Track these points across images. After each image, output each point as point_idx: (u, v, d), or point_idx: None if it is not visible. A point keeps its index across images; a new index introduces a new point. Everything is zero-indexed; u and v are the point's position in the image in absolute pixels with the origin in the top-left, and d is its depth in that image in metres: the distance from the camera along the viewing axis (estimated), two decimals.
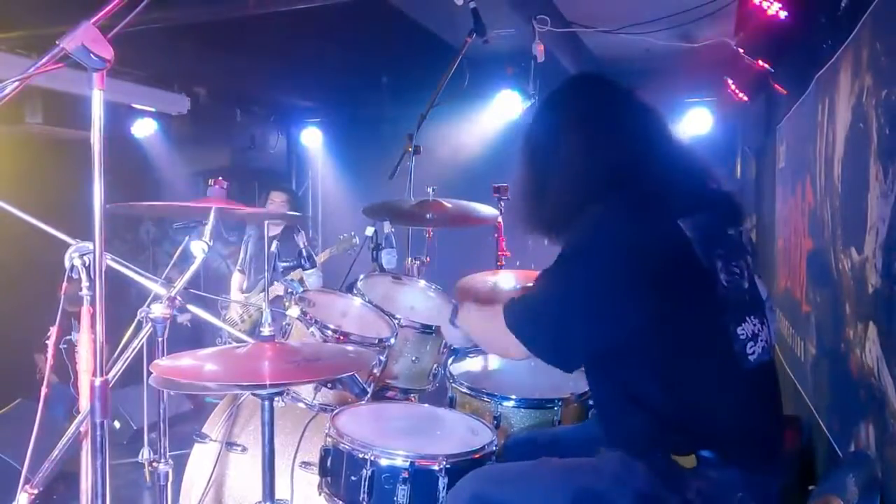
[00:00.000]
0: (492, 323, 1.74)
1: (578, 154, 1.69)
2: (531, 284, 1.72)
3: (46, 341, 2.10)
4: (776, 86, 3.73)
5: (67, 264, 1.87)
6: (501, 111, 5.46)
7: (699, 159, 1.78)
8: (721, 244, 1.62)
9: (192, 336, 4.95)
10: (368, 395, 2.32)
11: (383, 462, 1.87)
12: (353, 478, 1.88)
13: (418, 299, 2.77)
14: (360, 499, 1.86)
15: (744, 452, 1.59)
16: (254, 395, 2.19)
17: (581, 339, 1.61)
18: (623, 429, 1.69)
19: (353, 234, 4.77)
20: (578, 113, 1.75)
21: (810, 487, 2.00)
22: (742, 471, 1.58)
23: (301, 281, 2.37)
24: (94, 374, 1.40)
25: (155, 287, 2.06)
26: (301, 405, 2.33)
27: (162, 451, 2.11)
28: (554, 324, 1.62)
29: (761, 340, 1.63)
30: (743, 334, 1.59)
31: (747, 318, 1.61)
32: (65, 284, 1.89)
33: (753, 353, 1.60)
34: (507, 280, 2.84)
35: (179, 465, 2.29)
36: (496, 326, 1.70)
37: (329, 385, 2.30)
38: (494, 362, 2.72)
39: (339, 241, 4.82)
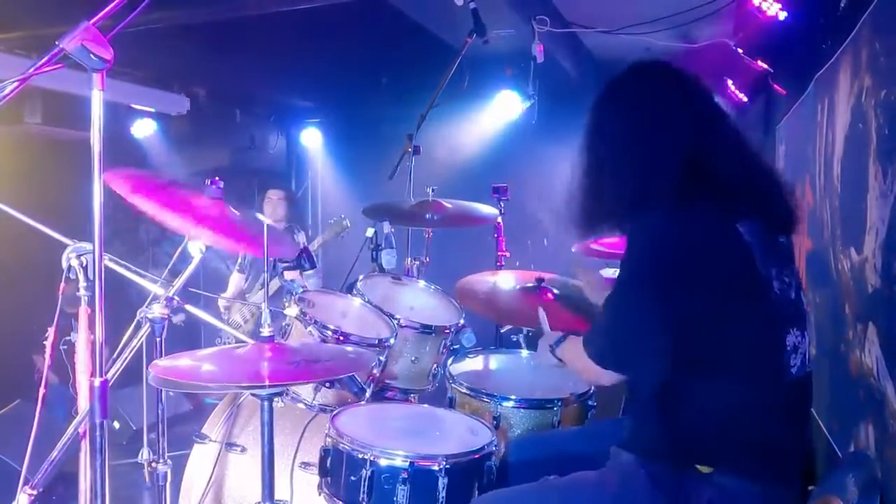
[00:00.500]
0: (584, 355, 1.71)
1: (643, 147, 1.61)
2: (601, 307, 1.68)
3: (45, 342, 2.10)
4: (775, 86, 3.73)
5: (64, 265, 1.86)
6: (501, 111, 5.46)
7: (763, 160, 1.71)
8: (774, 252, 1.58)
9: (188, 336, 4.95)
10: (368, 396, 2.33)
11: (383, 462, 1.87)
12: (352, 478, 1.88)
13: (418, 300, 2.78)
14: (360, 499, 1.86)
15: (762, 466, 1.55)
16: (253, 395, 2.19)
17: (655, 356, 1.57)
18: (649, 431, 1.66)
19: (343, 216, 4.62)
20: (646, 103, 1.65)
21: (810, 488, 1.99)
22: (756, 482, 1.55)
23: (294, 281, 2.37)
24: (93, 375, 1.40)
25: (154, 287, 2.06)
26: (301, 405, 2.33)
27: (161, 451, 2.11)
28: (629, 346, 1.60)
29: (801, 353, 1.60)
30: (789, 345, 1.57)
31: (791, 330, 1.58)
32: (62, 285, 1.89)
33: (794, 365, 1.58)
34: (507, 280, 2.84)
35: (179, 466, 2.29)
36: (587, 359, 1.69)
37: (328, 385, 2.30)
38: (494, 363, 2.72)
39: (329, 225, 4.64)
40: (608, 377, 1.67)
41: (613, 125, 1.68)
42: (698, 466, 1.56)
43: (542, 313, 2.17)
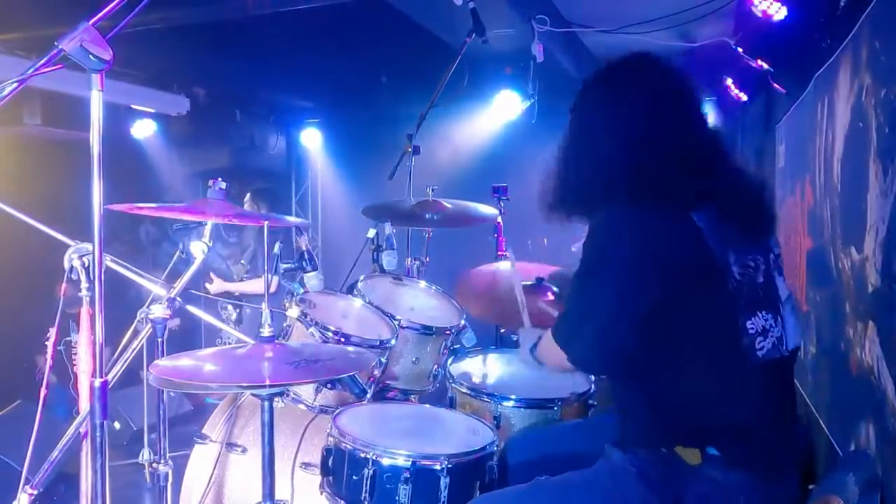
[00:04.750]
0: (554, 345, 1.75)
1: (606, 140, 1.67)
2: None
3: (46, 342, 2.10)
4: (775, 85, 3.73)
5: (66, 265, 1.86)
6: (501, 111, 5.45)
7: (729, 154, 1.75)
8: (735, 238, 1.61)
9: (184, 340, 4.93)
10: (369, 396, 2.33)
11: (385, 462, 1.87)
12: (354, 477, 1.88)
13: (419, 300, 2.78)
14: (362, 498, 1.86)
15: (747, 450, 1.58)
16: (254, 395, 2.19)
17: (616, 344, 1.63)
18: (634, 419, 1.71)
19: None
20: (611, 102, 1.71)
21: (810, 487, 1.99)
22: (747, 473, 1.57)
23: (301, 281, 2.37)
24: (93, 375, 1.40)
25: (154, 288, 2.06)
26: (301, 406, 2.33)
27: (162, 452, 2.11)
28: (590, 334, 1.64)
29: (772, 336, 1.61)
30: (752, 329, 1.59)
31: (758, 313, 1.60)
32: (64, 286, 1.89)
33: (762, 348, 1.59)
34: (505, 267, 2.84)
35: (179, 466, 2.29)
36: (548, 345, 1.75)
37: (329, 386, 2.30)
38: (495, 363, 2.72)
39: None
40: (565, 360, 1.69)
41: (583, 121, 1.76)
42: (681, 452, 1.58)
43: (518, 288, 2.25)
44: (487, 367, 2.67)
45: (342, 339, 2.28)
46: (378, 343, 2.34)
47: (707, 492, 1.57)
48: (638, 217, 1.58)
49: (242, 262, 4.80)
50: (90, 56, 1.26)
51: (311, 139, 7.26)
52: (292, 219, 2.35)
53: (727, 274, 1.58)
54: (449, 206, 3.06)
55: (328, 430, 2.00)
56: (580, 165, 1.71)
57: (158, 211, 2.16)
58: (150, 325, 2.02)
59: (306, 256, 2.29)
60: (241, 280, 4.82)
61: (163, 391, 2.07)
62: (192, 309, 2.21)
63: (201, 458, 2.38)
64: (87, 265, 1.86)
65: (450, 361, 2.59)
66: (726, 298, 1.58)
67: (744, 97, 4.44)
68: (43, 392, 2.05)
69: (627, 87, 1.71)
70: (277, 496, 1.82)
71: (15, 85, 1.34)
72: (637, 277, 1.57)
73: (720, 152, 1.72)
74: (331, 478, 1.96)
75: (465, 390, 2.40)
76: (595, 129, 1.72)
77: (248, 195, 4.87)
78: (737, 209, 1.64)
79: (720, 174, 1.66)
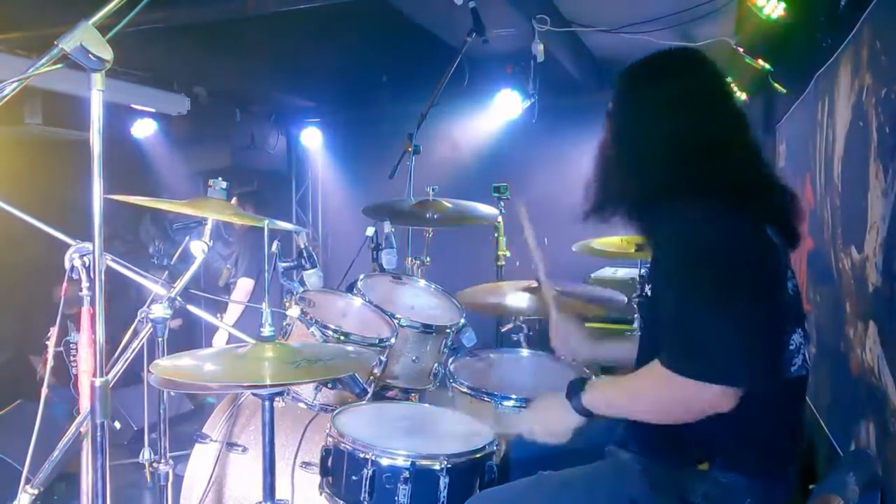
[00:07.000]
0: (643, 390, 1.57)
1: (670, 136, 1.59)
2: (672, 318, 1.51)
3: (46, 342, 2.10)
4: (776, 85, 3.73)
5: (67, 265, 1.86)
6: (501, 111, 5.45)
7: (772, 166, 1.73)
8: (788, 254, 1.61)
9: (184, 339, 4.93)
10: (369, 395, 2.33)
11: (384, 462, 1.86)
12: (353, 478, 1.88)
13: (419, 299, 2.78)
14: (361, 499, 1.86)
15: (754, 459, 1.56)
16: (254, 395, 2.19)
17: (746, 352, 1.44)
18: (645, 429, 1.62)
19: None
20: (681, 91, 1.61)
21: (811, 486, 1.99)
22: (752, 476, 1.56)
23: (301, 280, 2.37)
24: (94, 375, 1.40)
25: (155, 287, 2.06)
26: (302, 405, 2.34)
27: (162, 451, 2.11)
28: (727, 348, 1.44)
29: (801, 353, 1.60)
30: (792, 345, 1.58)
31: (798, 330, 1.59)
32: (65, 285, 1.89)
33: (795, 364, 1.58)
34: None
35: (180, 466, 2.29)
36: (651, 390, 1.54)
37: (329, 385, 2.30)
38: (495, 362, 2.71)
39: None
40: (710, 394, 1.44)
41: (644, 108, 1.65)
42: (697, 465, 1.56)
43: (522, 212, 2.33)
44: (488, 367, 2.67)
45: (342, 338, 2.28)
46: (378, 342, 2.34)
47: (712, 492, 1.55)
48: (726, 222, 1.49)
49: (228, 266, 4.76)
50: (90, 55, 1.26)
51: (312, 139, 7.26)
52: (284, 224, 2.29)
53: (785, 288, 1.57)
54: (449, 205, 3.06)
55: (327, 431, 2.00)
56: (644, 155, 1.60)
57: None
58: (150, 324, 2.02)
59: (305, 254, 2.29)
60: (228, 284, 4.70)
61: (163, 391, 2.07)
62: (192, 308, 2.21)
63: (202, 458, 2.38)
64: (87, 265, 1.86)
65: (450, 361, 2.59)
66: (782, 313, 1.55)
67: (744, 96, 4.44)
68: (43, 392, 2.05)
69: (713, 77, 1.65)
70: (278, 496, 1.82)
71: (15, 84, 1.34)
72: (734, 277, 1.45)
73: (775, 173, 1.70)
74: (330, 478, 1.96)
75: (465, 390, 2.40)
76: (668, 115, 1.60)
77: (234, 198, 4.86)
78: (786, 224, 1.62)
79: (774, 187, 1.63)
